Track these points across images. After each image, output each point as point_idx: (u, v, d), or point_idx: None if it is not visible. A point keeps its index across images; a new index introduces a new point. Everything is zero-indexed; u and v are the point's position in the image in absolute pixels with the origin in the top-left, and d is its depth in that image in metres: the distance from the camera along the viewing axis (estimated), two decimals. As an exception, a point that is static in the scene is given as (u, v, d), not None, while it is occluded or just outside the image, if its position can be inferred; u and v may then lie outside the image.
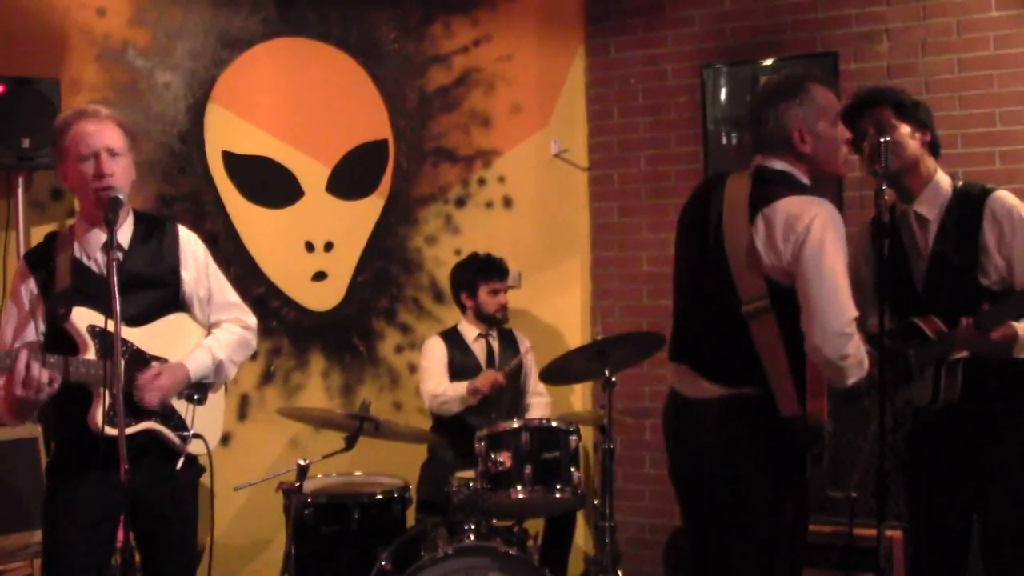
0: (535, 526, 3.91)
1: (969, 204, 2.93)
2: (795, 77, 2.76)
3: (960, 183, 3.00)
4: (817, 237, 2.50)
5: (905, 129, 2.95)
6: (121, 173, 2.77)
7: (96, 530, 2.76)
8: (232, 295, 3.08)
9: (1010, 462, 2.91)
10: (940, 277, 2.94)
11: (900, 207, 3.04)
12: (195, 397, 2.92)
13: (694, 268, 2.81)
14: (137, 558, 2.76)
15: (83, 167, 2.74)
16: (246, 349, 3.07)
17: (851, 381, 2.53)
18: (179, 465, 2.79)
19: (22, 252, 3.84)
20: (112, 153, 2.75)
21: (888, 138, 2.78)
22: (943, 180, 2.99)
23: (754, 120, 2.76)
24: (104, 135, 2.76)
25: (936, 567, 3.09)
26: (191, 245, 2.99)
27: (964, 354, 2.87)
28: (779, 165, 2.68)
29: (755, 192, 2.63)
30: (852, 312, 2.50)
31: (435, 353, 4.34)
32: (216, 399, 3.01)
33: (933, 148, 3.02)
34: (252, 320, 3.10)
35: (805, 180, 2.68)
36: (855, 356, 2.49)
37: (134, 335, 2.79)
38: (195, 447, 2.87)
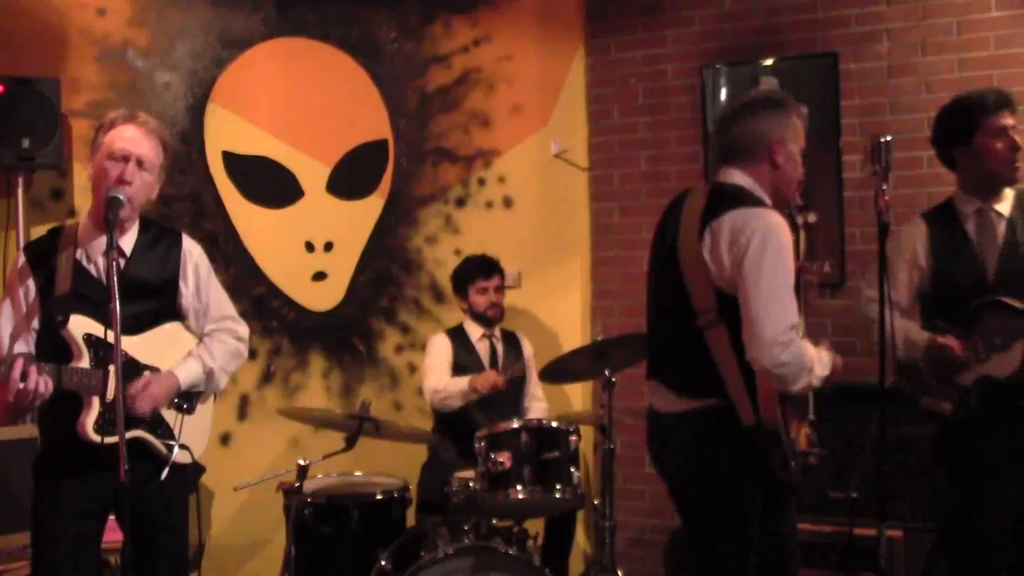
0: (535, 526, 3.91)
1: None
2: (785, 97, 2.84)
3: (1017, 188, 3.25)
4: (758, 248, 2.55)
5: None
6: (139, 186, 2.78)
7: (84, 526, 2.77)
8: (228, 308, 3.09)
9: None
10: (1011, 265, 3.14)
11: (975, 203, 3.21)
12: (184, 406, 2.93)
13: (657, 284, 2.91)
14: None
15: (108, 165, 2.75)
16: (238, 359, 3.08)
17: (796, 387, 2.58)
18: (164, 475, 2.80)
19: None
20: (141, 165, 2.77)
21: (889, 138, 2.79)
22: None
23: (725, 127, 2.81)
24: (142, 144, 2.78)
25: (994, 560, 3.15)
26: (194, 257, 2.99)
27: None
28: (739, 179, 2.74)
29: (707, 207, 2.69)
30: (789, 320, 2.54)
31: (439, 349, 4.35)
32: (204, 408, 3.01)
33: None
34: (245, 331, 3.11)
35: (762, 194, 2.73)
36: (793, 364, 2.53)
37: (129, 343, 2.78)
38: (181, 457, 2.86)
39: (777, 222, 2.61)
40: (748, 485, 2.67)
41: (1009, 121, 3.16)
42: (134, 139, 2.77)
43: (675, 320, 2.75)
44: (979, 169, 3.18)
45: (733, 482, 2.67)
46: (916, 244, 3.26)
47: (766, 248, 2.55)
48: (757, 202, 2.69)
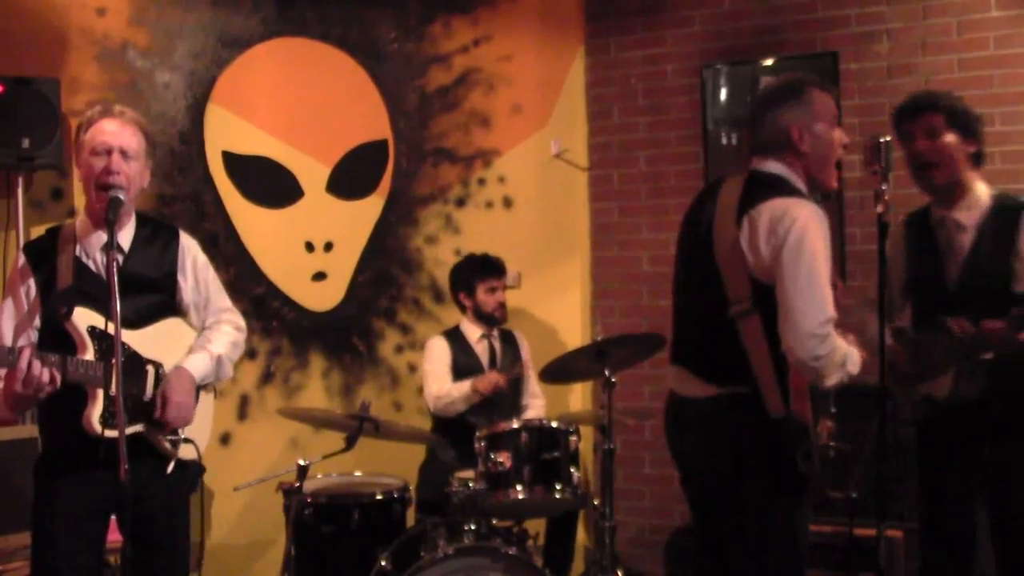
0: (535, 526, 3.91)
1: (1006, 214, 3.00)
2: (796, 80, 2.81)
3: (996, 193, 3.07)
4: (797, 238, 2.54)
5: (951, 138, 3.01)
6: (129, 175, 2.79)
7: (85, 528, 2.76)
8: (226, 301, 3.12)
9: (1017, 463, 2.98)
10: (974, 281, 3.01)
11: (937, 211, 3.11)
12: None
13: (688, 270, 2.87)
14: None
15: (94, 161, 2.77)
16: (238, 349, 3.10)
17: (830, 382, 2.57)
18: (169, 469, 2.80)
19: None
20: (125, 155, 2.79)
21: (888, 138, 2.79)
22: (981, 189, 3.06)
23: (753, 122, 2.81)
24: (122, 136, 2.80)
25: (944, 557, 3.12)
26: (191, 251, 3.00)
27: (989, 356, 2.93)
28: (774, 168, 2.73)
29: (745, 195, 2.68)
30: (827, 314, 2.52)
31: (438, 354, 4.32)
32: (206, 402, 3.01)
33: (976, 159, 3.07)
34: (242, 322, 3.14)
35: (799, 183, 2.72)
36: (829, 357, 2.51)
37: (130, 338, 2.79)
38: (186, 452, 2.87)
39: (815, 212, 2.60)
40: (766, 474, 2.63)
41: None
42: (113, 132, 2.79)
43: (706, 307, 2.72)
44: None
45: (751, 470, 2.63)
46: (896, 246, 3.19)
47: (805, 239, 2.53)
48: (795, 191, 2.68)
